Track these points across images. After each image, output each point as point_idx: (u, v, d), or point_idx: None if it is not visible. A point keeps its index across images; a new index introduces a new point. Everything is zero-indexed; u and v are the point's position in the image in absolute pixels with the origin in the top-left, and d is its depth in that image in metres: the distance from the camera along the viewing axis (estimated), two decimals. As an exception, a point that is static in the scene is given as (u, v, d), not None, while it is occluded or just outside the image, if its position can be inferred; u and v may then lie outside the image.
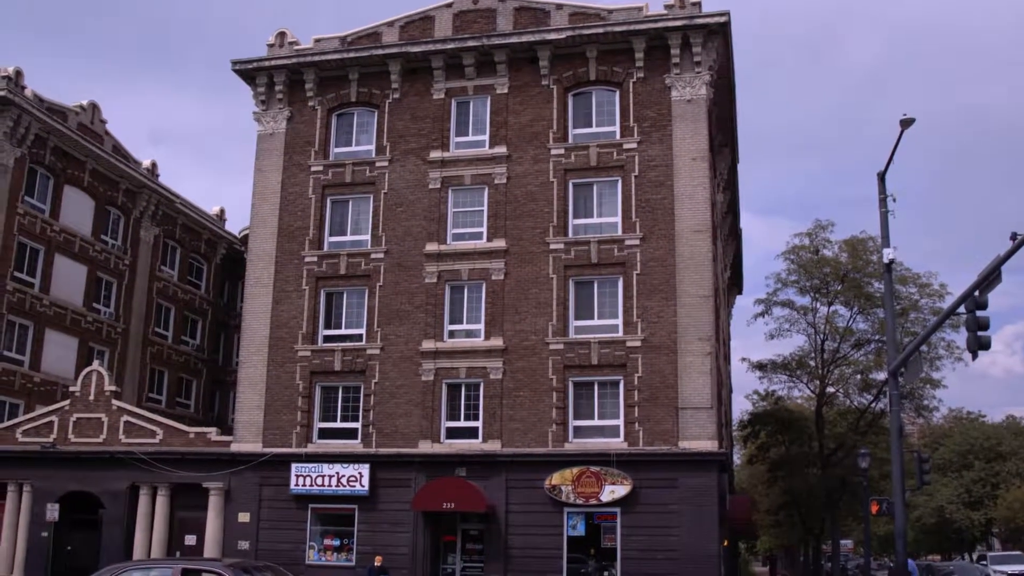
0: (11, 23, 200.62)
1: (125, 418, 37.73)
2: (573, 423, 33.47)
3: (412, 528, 33.52)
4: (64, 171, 45.71)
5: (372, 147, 37.68)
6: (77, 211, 46.66)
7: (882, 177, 27.87)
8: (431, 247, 35.66)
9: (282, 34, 39.05)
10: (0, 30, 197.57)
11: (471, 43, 36.36)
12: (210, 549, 35.17)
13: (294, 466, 34.73)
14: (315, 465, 34.54)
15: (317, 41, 38.72)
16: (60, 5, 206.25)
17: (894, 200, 27.79)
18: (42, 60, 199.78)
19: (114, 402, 38.22)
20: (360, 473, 34.03)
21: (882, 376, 48.86)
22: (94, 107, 48.32)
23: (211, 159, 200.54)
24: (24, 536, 37.44)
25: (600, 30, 35.48)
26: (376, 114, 37.92)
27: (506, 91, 36.58)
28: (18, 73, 42.69)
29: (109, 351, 47.76)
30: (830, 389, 56.60)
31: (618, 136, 35.30)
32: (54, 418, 38.33)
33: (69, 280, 45.82)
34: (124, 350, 48.93)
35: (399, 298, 35.68)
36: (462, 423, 34.40)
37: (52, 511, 35.73)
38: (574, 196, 35.40)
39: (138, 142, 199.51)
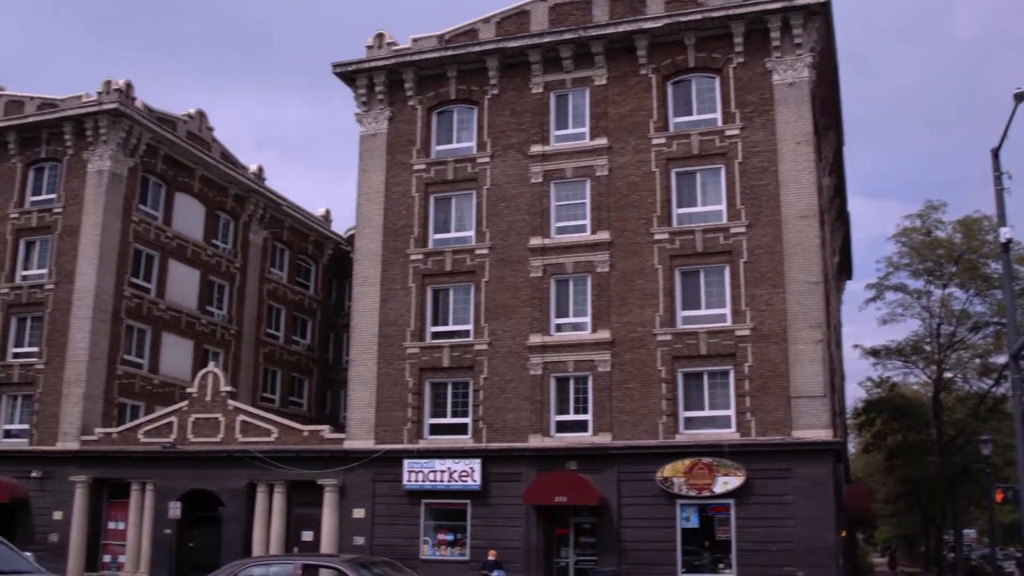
0: (117, 36, 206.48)
1: (241, 418, 38.58)
2: (683, 414, 33.17)
3: (524, 522, 33.61)
4: (175, 179, 46.89)
5: (473, 144, 37.83)
6: (189, 217, 47.85)
7: (996, 153, 26.94)
8: (535, 241, 35.66)
9: (380, 35, 39.44)
10: (107, 43, 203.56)
11: (567, 36, 36.25)
12: (326, 545, 35.76)
13: (406, 462, 35.11)
14: (427, 461, 34.87)
15: (415, 41, 39.00)
16: (163, 16, 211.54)
17: (1010, 177, 26.77)
18: (149, 71, 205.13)
19: (230, 402, 39.11)
20: (471, 468, 34.24)
21: (1003, 360, 47.42)
22: (201, 115, 49.46)
23: (315, 161, 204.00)
24: (149, 534, 38.58)
25: (698, 16, 35.05)
26: (476, 111, 38.05)
27: (604, 82, 36.37)
28: (128, 86, 43.89)
29: (223, 352, 48.89)
30: (948, 374, 55.24)
31: (720, 123, 34.84)
32: (173, 419, 39.39)
33: (183, 284, 47.02)
34: (238, 351, 50.05)
35: (505, 293, 35.77)
36: (571, 416, 34.35)
37: (174, 509, 36.70)
38: (677, 185, 35.04)
39: (244, 147, 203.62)
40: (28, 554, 12.36)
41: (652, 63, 35.87)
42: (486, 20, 38.21)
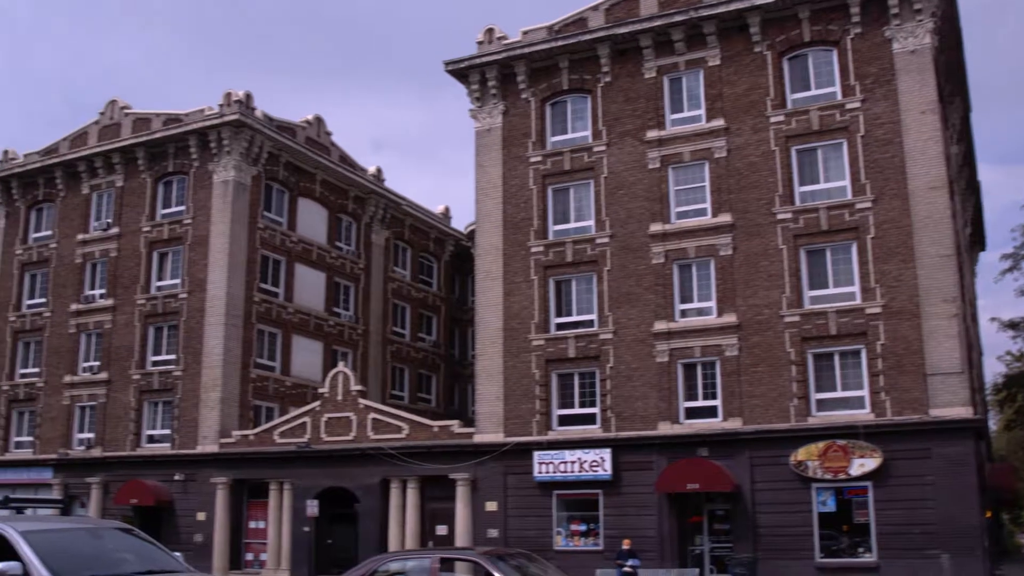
0: (234, 48, 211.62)
1: (372, 415, 39.22)
2: (815, 396, 32.52)
3: (657, 510, 33.41)
4: (297, 184, 47.88)
5: (588, 133, 37.69)
6: (312, 221, 48.82)
7: None
8: (655, 227, 35.37)
9: (490, 30, 39.58)
10: (225, 56, 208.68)
11: (678, 18, 35.83)
12: (461, 538, 36.11)
13: (536, 454, 35.23)
14: (557, 452, 34.92)
15: (525, 33, 39.03)
16: (276, 24, 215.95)
17: None
18: (266, 80, 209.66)
19: (361, 401, 39.78)
20: (602, 458, 34.17)
21: None
22: (319, 121, 50.36)
23: (431, 160, 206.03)
24: (288, 531, 39.52)
25: (812, -11, 34.29)
26: (589, 99, 37.91)
27: (718, 62, 35.85)
28: (248, 96, 44.94)
29: (352, 352, 49.75)
30: (1093, 343, 53.06)
31: (839, 96, 34.02)
32: (307, 419, 40.26)
33: (310, 287, 48.02)
34: (366, 350, 50.87)
35: (627, 281, 35.58)
36: (700, 402, 34.00)
37: (312, 507, 37.50)
38: (798, 163, 34.34)
39: (361, 150, 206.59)
40: (178, 554, 12.75)
41: (766, 40, 35.21)
42: (595, 8, 38.01)
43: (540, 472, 35.08)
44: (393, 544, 37.38)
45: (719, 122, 35.28)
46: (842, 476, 31.09)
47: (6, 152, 51.75)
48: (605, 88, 37.45)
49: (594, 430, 35.05)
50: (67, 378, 46.64)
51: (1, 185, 51.39)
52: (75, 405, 46.31)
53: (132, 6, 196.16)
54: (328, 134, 50.92)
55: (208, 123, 44.55)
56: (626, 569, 30.32)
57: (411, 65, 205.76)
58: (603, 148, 36.97)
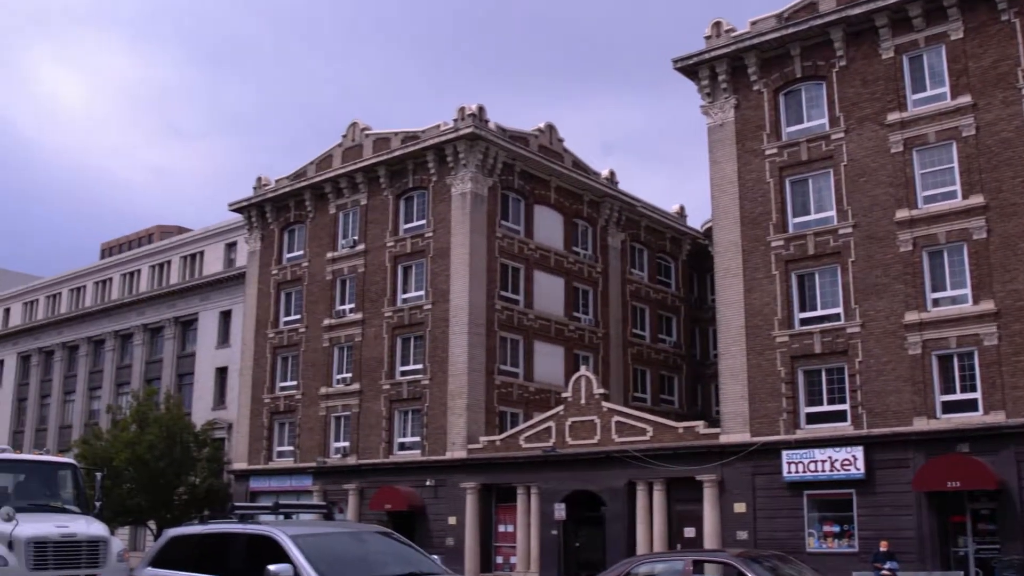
0: (462, 62, 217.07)
1: (616, 418, 39.17)
2: (1088, 385, 30.17)
3: (915, 510, 31.81)
4: (532, 192, 48.49)
5: (824, 120, 36.40)
6: (548, 227, 49.32)
7: None
8: (901, 214, 33.74)
9: (718, 23, 38.91)
10: (454, 70, 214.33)
11: (917, -8, 34.07)
12: (709, 540, 35.52)
13: (784, 453, 34.26)
14: (806, 451, 33.84)
15: (753, 23, 38.13)
16: (502, 37, 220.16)
17: None
18: (496, 91, 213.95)
19: (604, 404, 39.81)
20: (853, 456, 32.86)
21: None
22: (551, 128, 50.81)
23: (662, 159, 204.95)
24: (536, 535, 39.94)
25: (1065, -51, 31.93)
26: (824, 86, 36.61)
27: (961, 36, 33.82)
28: (481, 109, 45.86)
29: (593, 356, 49.89)
30: None
31: (1102, 62, 31.51)
32: (551, 424, 40.62)
33: (549, 293, 48.49)
34: (606, 353, 50.91)
35: (874, 271, 34.10)
36: (958, 396, 32.14)
37: (559, 510, 37.77)
38: (1057, 136, 31.99)
39: (592, 153, 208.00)
40: (435, 557, 13.05)
41: (1014, 7, 32.89)
42: (826, -9, 36.71)
43: (789, 472, 34.09)
44: (641, 547, 37.15)
45: (965, 98, 33.30)
46: (1123, 471, 28.71)
47: (259, 179, 54.80)
48: (840, 73, 36.07)
49: (844, 427, 33.74)
50: (322, 390, 48.87)
51: (256, 210, 54.44)
52: (331, 415, 48.46)
53: (365, 31, 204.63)
54: (560, 140, 51.32)
55: (444, 138, 45.76)
56: (884, 572, 29.04)
57: (637, 65, 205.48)
58: (841, 135, 35.61)
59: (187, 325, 63.98)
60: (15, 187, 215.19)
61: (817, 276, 35.70)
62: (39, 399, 74.90)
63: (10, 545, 17.57)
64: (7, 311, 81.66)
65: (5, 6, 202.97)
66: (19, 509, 18.47)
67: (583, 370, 42.14)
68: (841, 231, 34.95)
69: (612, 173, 53.91)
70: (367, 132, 50.45)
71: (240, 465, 52.10)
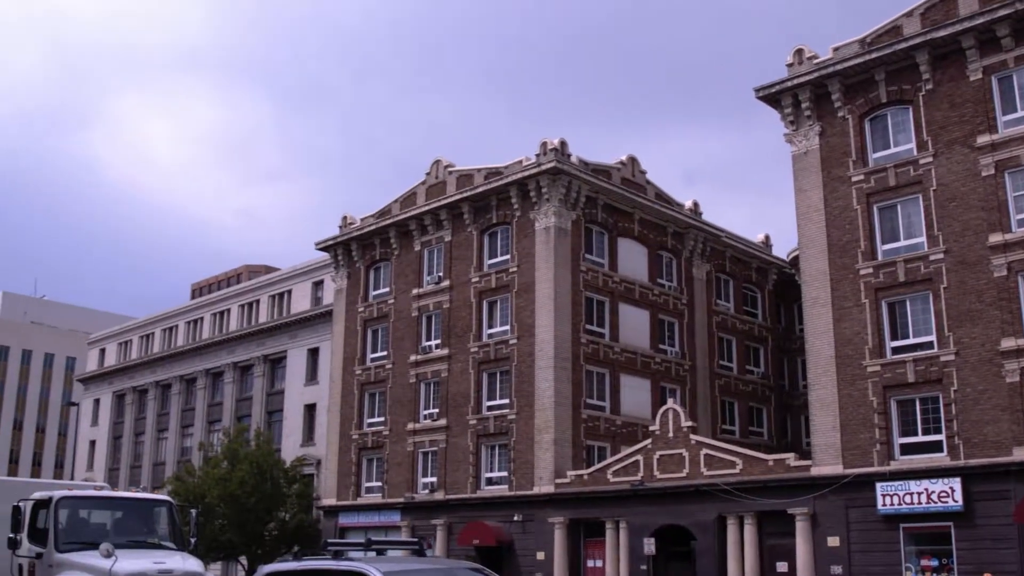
0: (544, 96, 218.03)
1: (704, 451, 38.72)
2: None
3: (1018, 543, 30.81)
4: (615, 225, 48.39)
5: (912, 145, 35.80)
6: (632, 260, 49.15)
7: None
8: (995, 238, 32.96)
9: (800, 51, 38.59)
10: (536, 105, 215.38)
11: (1003, 12, 33.36)
12: (802, 575, 34.81)
13: (878, 485, 33.51)
14: (900, 483, 33.06)
15: (836, 49, 37.72)
16: (580, 71, 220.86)
17: None
18: (576, 124, 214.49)
19: (692, 437, 39.39)
20: (951, 488, 32.00)
21: None
22: (633, 161, 50.74)
23: (746, 188, 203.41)
24: (626, 570, 39.54)
25: None
26: (910, 110, 36.04)
27: (1054, 55, 33.10)
28: (563, 143, 45.99)
29: (679, 388, 49.44)
30: None
31: None
32: (639, 457, 40.29)
33: (634, 325, 48.26)
34: (693, 386, 50.44)
35: (967, 298, 33.32)
36: (1060, 424, 31.17)
37: (649, 545, 37.38)
38: None
39: (674, 185, 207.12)
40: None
41: (1108, 25, 32.17)
42: (909, 14, 36.17)
43: (884, 504, 33.32)
44: (733, 582, 36.59)
45: (1059, 119, 32.52)
46: None
47: (345, 218, 55.55)
48: (927, 96, 35.49)
49: (940, 458, 32.87)
50: (410, 425, 49.14)
51: (342, 248, 55.16)
52: (418, 451, 48.68)
53: (445, 69, 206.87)
54: (643, 172, 51.21)
55: (527, 173, 45.94)
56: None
57: (718, 94, 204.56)
58: (930, 159, 34.97)
59: (276, 363, 64.93)
60: (107, 231, 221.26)
61: (908, 304, 34.99)
62: (133, 437, 76.53)
63: (109, 581, 17.89)
64: (102, 351, 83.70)
65: (96, 56, 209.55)
66: (118, 545, 18.83)
67: (670, 403, 41.77)
68: (932, 257, 34.26)
69: (695, 204, 53.61)
70: (450, 169, 50.89)
71: (329, 501, 52.53)
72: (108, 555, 18.22)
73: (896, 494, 33.09)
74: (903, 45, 35.53)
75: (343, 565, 12.10)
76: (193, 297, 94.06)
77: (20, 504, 20.32)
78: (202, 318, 72.94)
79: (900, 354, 34.55)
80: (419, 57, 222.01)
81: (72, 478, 72.19)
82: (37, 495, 20.64)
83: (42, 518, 19.98)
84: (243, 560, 52.19)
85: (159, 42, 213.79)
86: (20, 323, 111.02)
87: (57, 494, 20.47)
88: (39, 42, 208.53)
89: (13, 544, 20.14)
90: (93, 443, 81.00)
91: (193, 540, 22.00)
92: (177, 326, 75.31)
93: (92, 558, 18.46)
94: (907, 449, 33.96)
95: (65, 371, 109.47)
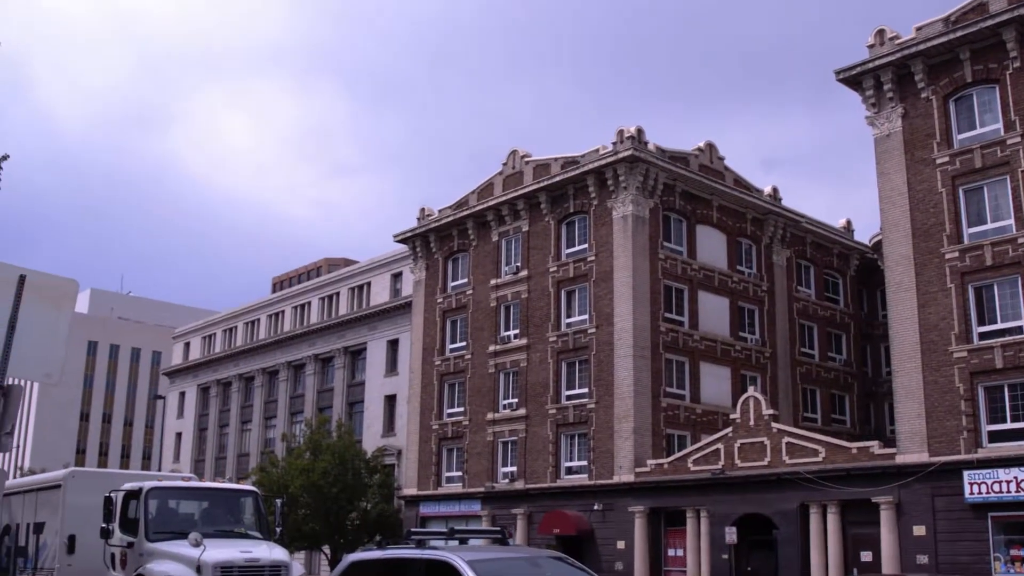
0: (619, 83, 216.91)
1: (786, 439, 38.28)
2: None
3: (1114, 532, 30.02)
4: (694, 212, 48.00)
5: (999, 125, 34.92)
6: (711, 247, 48.72)
7: None
8: (1086, 220, 32.06)
9: (881, 31, 37.86)
10: (612, 92, 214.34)
11: (1096, -12, 32.47)
12: (887, 565, 34.26)
13: (966, 473, 32.83)
14: (989, 471, 32.35)
15: (918, 29, 36.95)
16: (657, 56, 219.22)
17: None
18: (653, 111, 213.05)
19: (773, 425, 38.96)
20: (1043, 476, 31.25)
21: None
22: (711, 147, 50.26)
23: (826, 173, 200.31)
24: (707, 559, 39.28)
25: None
26: (997, 89, 35.16)
27: None
28: (639, 131, 45.72)
29: (760, 376, 48.92)
30: None
31: None
32: (719, 446, 39.97)
33: (714, 313, 47.86)
34: (774, 373, 49.89)
35: (1057, 281, 32.45)
36: None
37: (730, 534, 37.08)
38: None
39: (752, 170, 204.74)
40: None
41: None
42: (996, -9, 35.32)
43: (971, 493, 32.63)
44: (816, 572, 36.19)
45: None
46: None
47: (423, 210, 55.86)
48: (1015, 75, 34.57)
49: (1032, 446, 32.12)
50: (489, 415, 49.31)
51: (420, 240, 55.49)
52: (497, 441, 48.83)
53: (519, 60, 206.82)
54: (721, 159, 50.70)
55: (603, 162, 45.76)
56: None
57: (795, 78, 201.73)
58: (1018, 140, 34.08)
59: (356, 355, 65.54)
60: (190, 227, 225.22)
61: (996, 288, 34.19)
62: (218, 429, 77.84)
63: (198, 569, 18.22)
64: (187, 345, 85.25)
65: (178, 57, 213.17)
66: (205, 535, 19.15)
67: (751, 391, 41.32)
68: (1021, 240, 33.43)
69: (775, 190, 52.96)
70: (527, 159, 50.88)
71: (410, 491, 52.96)
72: (196, 544, 18.54)
73: (984, 482, 32.39)
74: (989, 22, 34.67)
75: (427, 554, 12.15)
76: (274, 291, 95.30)
77: (112, 495, 20.74)
78: (283, 311, 73.90)
79: (988, 339, 33.78)
80: (495, 48, 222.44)
81: (159, 469, 73.83)
82: (128, 486, 21.05)
83: (133, 508, 20.37)
84: (326, 549, 52.83)
85: (238, 40, 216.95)
86: (108, 319, 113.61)
87: (147, 485, 20.85)
88: (122, 43, 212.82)
89: (105, 534, 20.57)
90: (179, 435, 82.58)
91: (279, 530, 22.29)
92: (259, 319, 76.39)
93: (181, 547, 18.79)
94: (995, 436, 33.20)
95: (151, 365, 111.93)
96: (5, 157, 17.50)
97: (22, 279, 8.35)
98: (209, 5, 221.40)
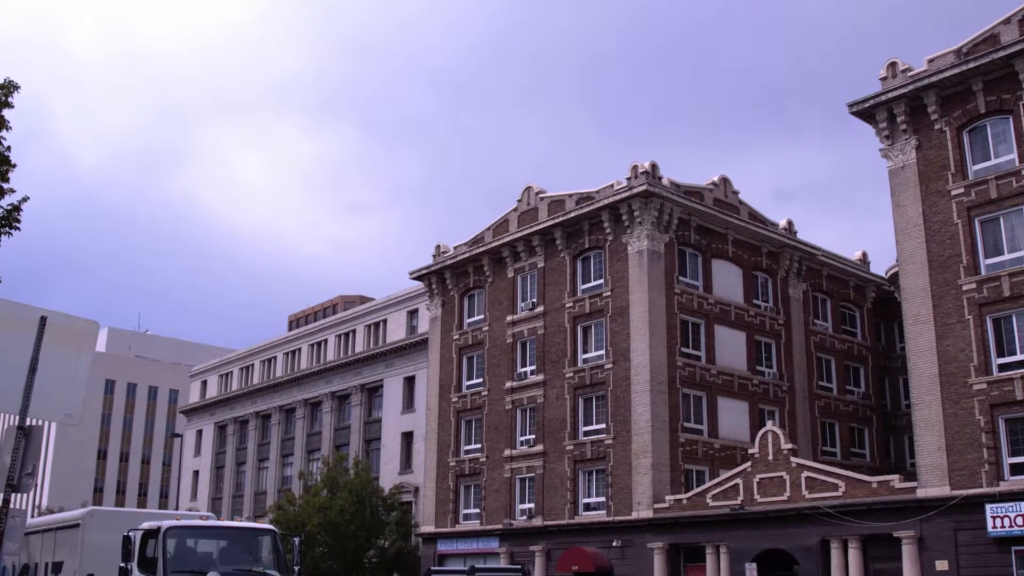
0: (632, 118, 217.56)
1: (805, 474, 38.04)
2: None
3: None
4: (709, 246, 47.98)
5: (1014, 156, 34.88)
6: (726, 281, 48.65)
7: None
8: (1103, 250, 31.90)
9: (893, 64, 37.94)
10: (625, 128, 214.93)
11: (1108, 18, 32.47)
12: (914, 600, 33.93)
13: (988, 507, 32.52)
14: (1012, 504, 32.03)
15: (931, 61, 37.01)
16: (669, 93, 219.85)
17: None
18: (665, 146, 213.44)
19: (792, 459, 38.72)
20: (1065, 508, 30.93)
21: None
22: (725, 181, 50.29)
23: (840, 205, 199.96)
24: (730, 597, 38.90)
25: None
26: (1011, 119, 35.14)
27: None
28: (654, 166, 45.82)
29: (778, 410, 48.69)
30: None
31: None
32: (738, 480, 39.73)
33: (731, 347, 47.72)
34: (792, 407, 49.63)
35: (1076, 312, 32.25)
36: None
37: (751, 570, 36.80)
38: None
39: (766, 203, 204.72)
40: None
41: None
42: (1006, 22, 35.35)
43: (995, 527, 32.30)
44: (847, 608, 35.80)
45: None
46: None
47: (438, 246, 56.01)
48: (1029, 106, 34.57)
49: (1052, 478, 31.82)
50: (506, 452, 49.16)
51: (436, 277, 55.60)
52: (515, 477, 48.65)
53: (533, 97, 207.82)
54: (735, 193, 50.71)
55: (618, 197, 45.84)
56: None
57: (808, 111, 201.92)
58: (1033, 170, 34.03)
59: (373, 392, 65.56)
60: (208, 267, 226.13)
61: (1015, 319, 34.02)
62: (235, 466, 77.85)
63: (217, 608, 18.20)
64: (204, 383, 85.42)
65: (194, 98, 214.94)
66: (224, 574, 19.12)
67: (769, 425, 41.12)
68: (1038, 271, 33.29)
69: (790, 223, 52.93)
70: (541, 195, 51.02)
71: (427, 528, 52.75)
72: (215, 583, 18.52)
73: (1007, 515, 32.07)
74: (1001, 53, 34.72)
75: (447, 591, 12.10)
76: (290, 328, 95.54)
77: (130, 534, 20.76)
78: (300, 349, 74.04)
79: (1007, 371, 33.57)
80: (509, 86, 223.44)
81: (177, 508, 73.66)
82: (146, 525, 21.07)
83: (151, 547, 20.38)
84: (344, 587, 52.63)
85: (254, 79, 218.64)
86: (125, 357, 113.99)
87: (165, 524, 20.87)
88: (139, 85, 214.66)
89: (124, 573, 20.57)
90: (196, 473, 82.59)
91: (296, 568, 22.25)
92: (276, 357, 76.54)
93: (200, 586, 18.78)
94: (1017, 469, 32.92)
95: (168, 403, 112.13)
96: (25, 199, 17.69)
97: (43, 320, 8.41)
98: (225, 45, 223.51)
